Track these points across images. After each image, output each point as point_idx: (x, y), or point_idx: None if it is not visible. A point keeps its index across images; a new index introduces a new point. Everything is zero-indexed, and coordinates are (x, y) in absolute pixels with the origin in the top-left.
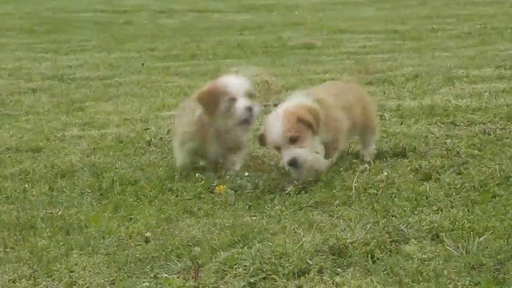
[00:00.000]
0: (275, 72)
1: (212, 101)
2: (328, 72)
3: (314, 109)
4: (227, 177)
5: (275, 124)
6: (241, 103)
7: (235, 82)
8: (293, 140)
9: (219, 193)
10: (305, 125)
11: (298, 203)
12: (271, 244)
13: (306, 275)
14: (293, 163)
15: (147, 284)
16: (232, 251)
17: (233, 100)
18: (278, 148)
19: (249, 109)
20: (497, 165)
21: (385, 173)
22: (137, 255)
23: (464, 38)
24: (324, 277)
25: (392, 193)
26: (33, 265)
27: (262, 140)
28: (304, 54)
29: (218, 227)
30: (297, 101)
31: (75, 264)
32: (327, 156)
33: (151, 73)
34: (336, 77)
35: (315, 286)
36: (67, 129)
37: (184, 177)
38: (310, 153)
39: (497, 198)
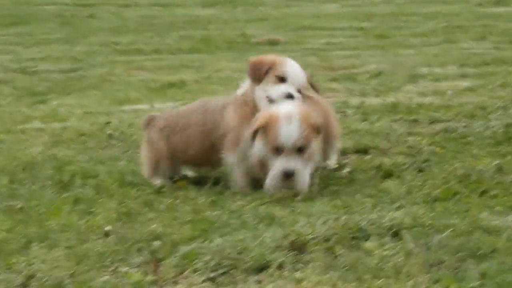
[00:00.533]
0: (238, 68)
1: (265, 68)
2: None
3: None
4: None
5: (290, 126)
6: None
7: (296, 71)
8: (301, 150)
9: (180, 187)
10: (315, 136)
11: (259, 198)
12: (231, 239)
13: (266, 270)
14: (289, 175)
15: (107, 277)
16: (192, 245)
17: (281, 80)
18: (276, 151)
19: (289, 96)
20: (459, 163)
21: (347, 170)
22: (97, 249)
23: (429, 36)
24: (284, 273)
25: (354, 189)
26: None
27: (255, 135)
28: (268, 50)
29: (179, 221)
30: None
31: (35, 257)
32: None
33: (114, 67)
34: None
35: (275, 282)
36: (29, 122)
37: None
38: (307, 169)
39: (458, 196)
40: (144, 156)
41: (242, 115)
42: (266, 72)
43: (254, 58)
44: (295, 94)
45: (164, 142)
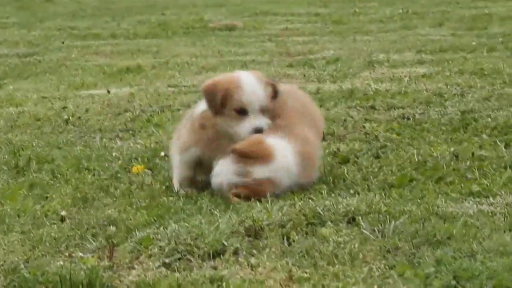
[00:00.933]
0: (195, 53)
1: (219, 99)
2: (248, 54)
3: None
4: None
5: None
6: (251, 124)
7: (253, 90)
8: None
9: (136, 173)
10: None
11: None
12: (187, 225)
13: (222, 256)
14: (259, 131)
15: (62, 263)
16: (147, 231)
17: (243, 112)
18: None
19: (259, 130)
20: (415, 150)
21: None
22: (52, 234)
23: (386, 22)
24: (239, 259)
25: None
26: None
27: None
28: (225, 36)
29: (134, 207)
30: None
31: None
32: None
33: (70, 52)
34: (257, 59)
35: (230, 267)
36: None
37: (101, 156)
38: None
39: (414, 182)
40: None
41: (197, 139)
42: (222, 104)
43: (206, 85)
44: (263, 125)
45: None
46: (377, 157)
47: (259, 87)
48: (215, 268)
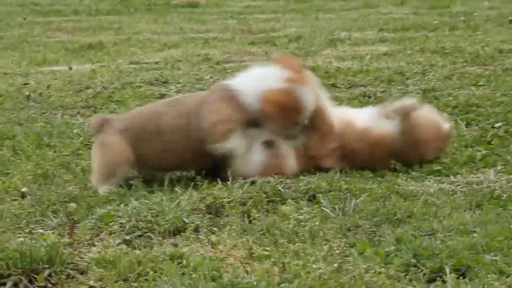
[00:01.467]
0: (157, 30)
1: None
2: (211, 31)
3: None
4: None
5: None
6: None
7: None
8: None
9: None
10: None
11: None
12: (148, 202)
13: (182, 233)
14: None
15: (22, 239)
16: (108, 208)
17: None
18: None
19: None
20: None
21: None
22: (13, 210)
23: (348, 1)
24: (200, 236)
25: None
26: None
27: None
28: (188, 13)
29: None
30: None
31: None
32: None
33: (32, 28)
34: (219, 37)
35: (190, 245)
36: None
37: (63, 132)
38: None
39: None
40: (96, 161)
41: (229, 105)
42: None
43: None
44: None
45: (126, 145)
46: None
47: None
48: (175, 245)
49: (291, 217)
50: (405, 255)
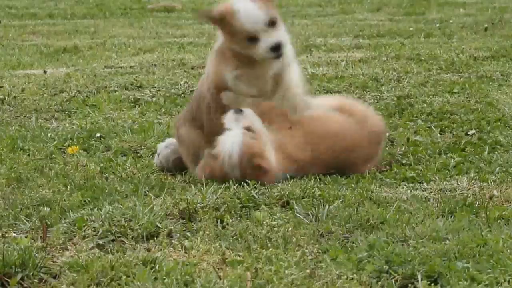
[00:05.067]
0: (133, 35)
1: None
2: (186, 36)
3: None
4: None
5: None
6: (265, 43)
7: (252, 14)
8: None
9: (71, 154)
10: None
11: (150, 166)
12: (121, 206)
13: (155, 238)
14: (278, 47)
15: None
16: (81, 212)
17: (253, 39)
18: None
19: (278, 46)
20: None
21: None
22: None
23: (324, 7)
24: (173, 241)
25: None
26: None
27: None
28: (164, 17)
29: (69, 188)
30: None
31: None
32: None
33: (7, 31)
34: (195, 41)
35: (163, 250)
36: None
37: (37, 136)
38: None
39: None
40: (185, 158)
41: (222, 58)
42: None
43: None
44: (276, 39)
45: (192, 131)
46: None
47: (254, 8)
48: (148, 250)
49: (264, 222)
50: (378, 262)
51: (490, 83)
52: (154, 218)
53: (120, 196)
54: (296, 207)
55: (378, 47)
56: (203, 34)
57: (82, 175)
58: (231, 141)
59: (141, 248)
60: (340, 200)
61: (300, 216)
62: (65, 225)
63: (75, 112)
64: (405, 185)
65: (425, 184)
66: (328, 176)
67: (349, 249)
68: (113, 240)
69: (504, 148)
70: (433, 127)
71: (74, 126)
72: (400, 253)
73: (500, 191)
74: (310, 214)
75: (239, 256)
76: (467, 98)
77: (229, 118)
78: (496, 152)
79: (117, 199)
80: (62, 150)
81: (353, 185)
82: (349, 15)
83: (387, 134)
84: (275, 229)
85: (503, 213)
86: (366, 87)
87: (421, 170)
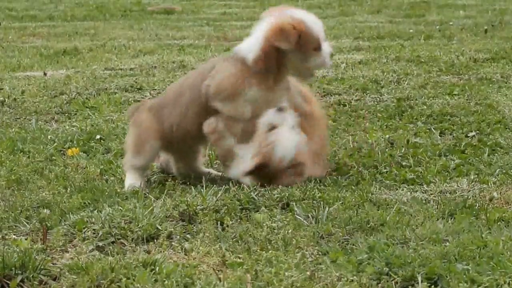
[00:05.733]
0: (133, 37)
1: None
2: (186, 38)
3: None
4: None
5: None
6: (326, 50)
7: (318, 22)
8: None
9: (71, 156)
10: None
11: (150, 167)
12: (121, 208)
13: (155, 240)
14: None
15: None
16: (81, 214)
17: (318, 48)
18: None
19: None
20: (350, 136)
21: None
22: None
23: (324, 9)
24: (173, 243)
25: None
26: None
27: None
28: (163, 19)
29: (69, 190)
30: None
31: None
32: None
33: (7, 33)
34: (194, 43)
35: (163, 252)
36: None
37: (37, 138)
38: None
39: (348, 169)
40: (129, 141)
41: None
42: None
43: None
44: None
45: (153, 120)
46: None
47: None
48: (148, 252)
49: (264, 224)
50: (378, 264)
51: (490, 85)
52: (154, 220)
53: (120, 198)
54: (296, 209)
55: (378, 49)
56: (203, 36)
57: (82, 177)
58: (286, 142)
59: (141, 250)
60: (340, 202)
61: (300, 218)
62: (65, 227)
63: (75, 114)
64: (405, 187)
65: (425, 186)
66: (328, 178)
67: (349, 251)
68: (113, 242)
69: (504, 150)
70: (433, 129)
71: (74, 128)
72: (400, 255)
73: (500, 193)
74: (310, 216)
75: (239, 258)
76: (467, 100)
77: (272, 116)
78: (496, 154)
79: (117, 201)
80: (62, 152)
81: (353, 187)
82: (349, 17)
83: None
84: (275, 231)
85: (503, 215)
86: (366, 89)
87: (421, 172)
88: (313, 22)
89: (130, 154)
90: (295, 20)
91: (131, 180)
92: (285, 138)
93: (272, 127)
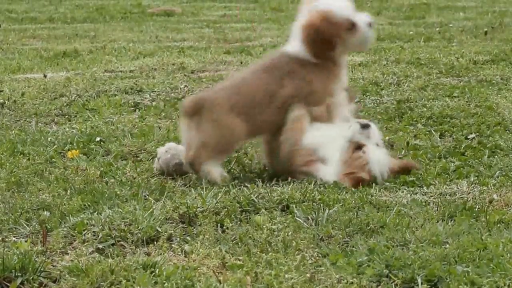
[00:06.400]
0: (133, 39)
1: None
2: (186, 40)
3: None
4: None
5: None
6: (363, 20)
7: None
8: None
9: (71, 158)
10: None
11: (150, 170)
12: (121, 210)
13: (155, 242)
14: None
15: None
16: (81, 216)
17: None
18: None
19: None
20: None
21: None
22: None
23: None
24: (173, 245)
25: (245, 163)
26: None
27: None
28: (163, 21)
29: (69, 192)
30: None
31: None
32: None
33: (7, 35)
34: (194, 45)
35: (163, 254)
36: None
37: (37, 140)
38: None
39: None
40: (209, 140)
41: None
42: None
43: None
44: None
45: (238, 120)
46: None
47: None
48: (148, 254)
49: (264, 227)
50: (378, 266)
51: (490, 87)
52: (154, 222)
53: (120, 200)
54: (296, 211)
55: (378, 51)
56: (203, 38)
57: (82, 179)
58: (377, 162)
59: (141, 252)
60: (340, 204)
61: (300, 220)
62: (65, 229)
63: (75, 116)
64: (405, 189)
65: (425, 188)
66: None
67: (349, 253)
68: (113, 244)
69: (504, 152)
70: (433, 131)
71: (74, 130)
72: (400, 257)
73: (500, 195)
74: (310, 218)
75: (239, 260)
76: (467, 102)
77: (356, 132)
78: (496, 156)
79: (117, 203)
80: (62, 154)
81: (353, 189)
82: None
83: None
84: (275, 233)
85: (503, 217)
86: (366, 91)
87: (421, 174)
88: (338, 6)
89: (212, 151)
90: (321, 13)
91: (217, 172)
92: (376, 157)
93: (358, 146)
